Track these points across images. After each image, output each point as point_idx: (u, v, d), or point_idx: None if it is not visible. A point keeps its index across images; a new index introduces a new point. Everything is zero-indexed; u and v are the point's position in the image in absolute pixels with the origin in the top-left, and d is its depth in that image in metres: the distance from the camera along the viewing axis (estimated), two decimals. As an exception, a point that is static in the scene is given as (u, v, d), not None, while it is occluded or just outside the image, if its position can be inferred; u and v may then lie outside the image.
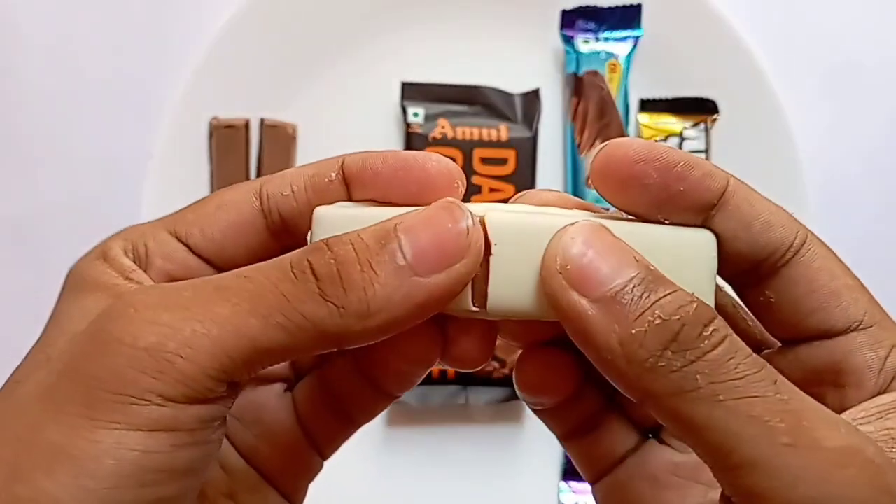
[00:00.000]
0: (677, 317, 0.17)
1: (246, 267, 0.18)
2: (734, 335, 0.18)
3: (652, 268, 0.18)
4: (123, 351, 0.17)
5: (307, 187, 0.21)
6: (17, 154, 0.50)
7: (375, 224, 0.18)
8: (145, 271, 0.21)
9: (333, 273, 0.18)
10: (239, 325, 0.17)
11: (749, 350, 0.18)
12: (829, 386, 0.20)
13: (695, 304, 0.17)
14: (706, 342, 0.17)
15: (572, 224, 0.19)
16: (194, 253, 0.21)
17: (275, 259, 0.18)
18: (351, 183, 0.21)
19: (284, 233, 0.21)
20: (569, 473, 0.47)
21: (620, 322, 0.17)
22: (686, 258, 0.20)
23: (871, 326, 0.20)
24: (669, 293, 0.17)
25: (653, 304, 0.17)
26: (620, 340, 0.17)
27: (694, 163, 0.19)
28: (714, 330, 0.17)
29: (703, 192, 0.19)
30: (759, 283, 0.21)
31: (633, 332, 0.17)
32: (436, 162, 0.20)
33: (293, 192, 0.21)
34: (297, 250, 0.18)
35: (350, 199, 0.21)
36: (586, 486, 0.49)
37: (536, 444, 0.48)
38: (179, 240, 0.21)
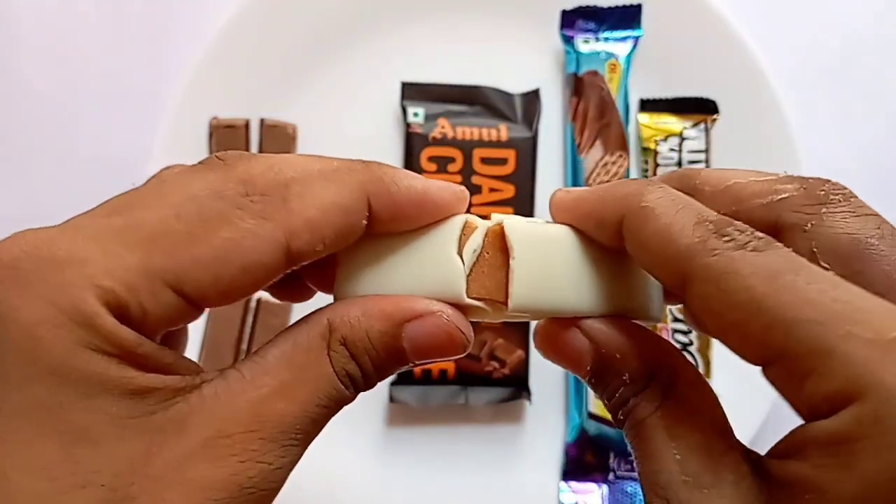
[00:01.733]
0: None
1: (288, 362, 0.21)
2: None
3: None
4: None
5: (337, 238, 0.21)
6: (17, 154, 0.50)
7: (384, 333, 0.21)
8: (139, 330, 0.19)
9: (362, 384, 0.22)
10: (301, 408, 0.21)
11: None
12: None
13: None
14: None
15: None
16: (190, 303, 0.20)
17: (320, 373, 0.21)
18: (373, 224, 0.22)
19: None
20: (569, 473, 0.47)
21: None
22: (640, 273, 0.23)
23: (782, 360, 0.18)
24: None
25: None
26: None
27: (600, 204, 0.22)
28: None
29: (607, 233, 0.22)
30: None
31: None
32: (445, 192, 0.23)
33: (325, 246, 0.21)
34: (335, 356, 0.21)
35: (366, 233, 0.22)
36: (586, 486, 0.49)
37: (536, 444, 0.48)
38: (181, 294, 0.19)
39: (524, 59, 0.51)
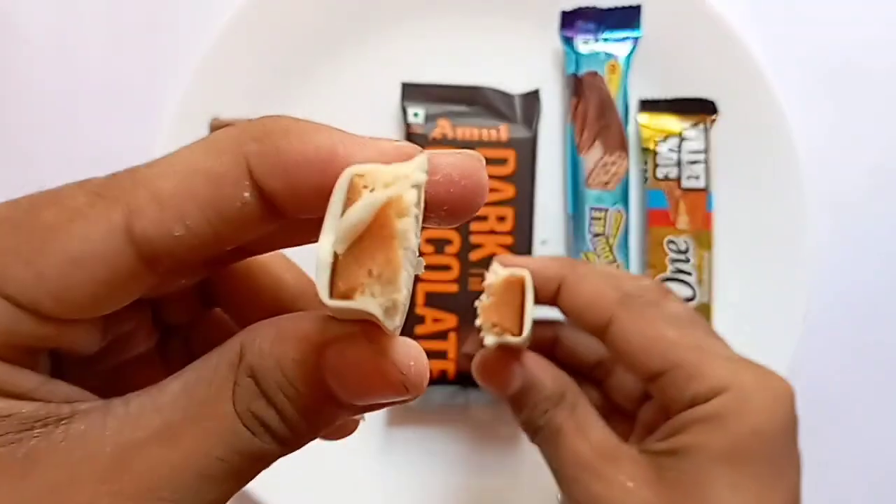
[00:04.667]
0: None
1: (185, 404, 0.15)
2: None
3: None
4: None
5: (209, 219, 0.15)
6: (17, 154, 0.50)
7: (300, 363, 0.15)
8: None
9: (285, 432, 0.16)
10: (198, 472, 0.15)
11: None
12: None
13: None
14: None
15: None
16: (23, 309, 0.15)
17: (218, 414, 0.15)
18: (276, 202, 0.16)
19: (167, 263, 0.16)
20: (568, 473, 0.48)
21: None
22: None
23: (672, 369, 0.30)
24: None
25: None
26: None
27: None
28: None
29: (540, 290, 0.34)
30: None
31: None
32: (369, 150, 0.16)
33: (188, 228, 0.15)
34: (237, 386, 0.15)
35: (268, 220, 0.16)
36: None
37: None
38: (6, 297, 0.15)
39: (524, 60, 0.51)
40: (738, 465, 0.28)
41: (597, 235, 0.48)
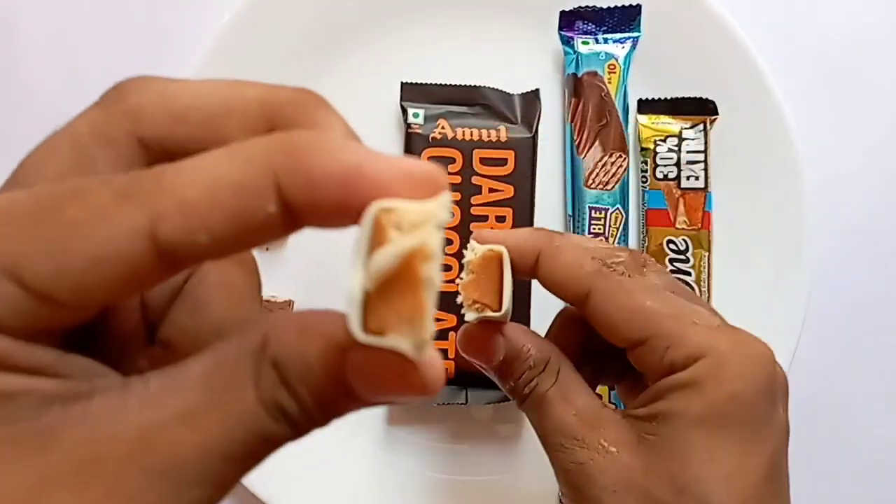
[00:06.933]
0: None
1: (211, 383, 0.16)
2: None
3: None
4: None
5: (234, 231, 0.15)
6: (18, 154, 0.50)
7: (324, 357, 0.16)
8: None
9: (300, 420, 0.17)
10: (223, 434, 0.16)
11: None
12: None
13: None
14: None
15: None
16: (39, 298, 0.15)
17: (241, 399, 0.16)
18: (298, 214, 0.16)
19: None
20: (568, 473, 0.48)
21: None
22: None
23: (651, 338, 0.30)
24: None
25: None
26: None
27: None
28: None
29: (518, 264, 0.32)
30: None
31: None
32: (391, 170, 0.16)
33: (212, 236, 0.15)
34: (260, 383, 0.16)
35: (288, 229, 0.16)
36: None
37: (536, 444, 0.48)
38: (24, 286, 0.15)
39: (524, 60, 0.51)
40: (715, 430, 0.28)
41: (596, 236, 0.48)
